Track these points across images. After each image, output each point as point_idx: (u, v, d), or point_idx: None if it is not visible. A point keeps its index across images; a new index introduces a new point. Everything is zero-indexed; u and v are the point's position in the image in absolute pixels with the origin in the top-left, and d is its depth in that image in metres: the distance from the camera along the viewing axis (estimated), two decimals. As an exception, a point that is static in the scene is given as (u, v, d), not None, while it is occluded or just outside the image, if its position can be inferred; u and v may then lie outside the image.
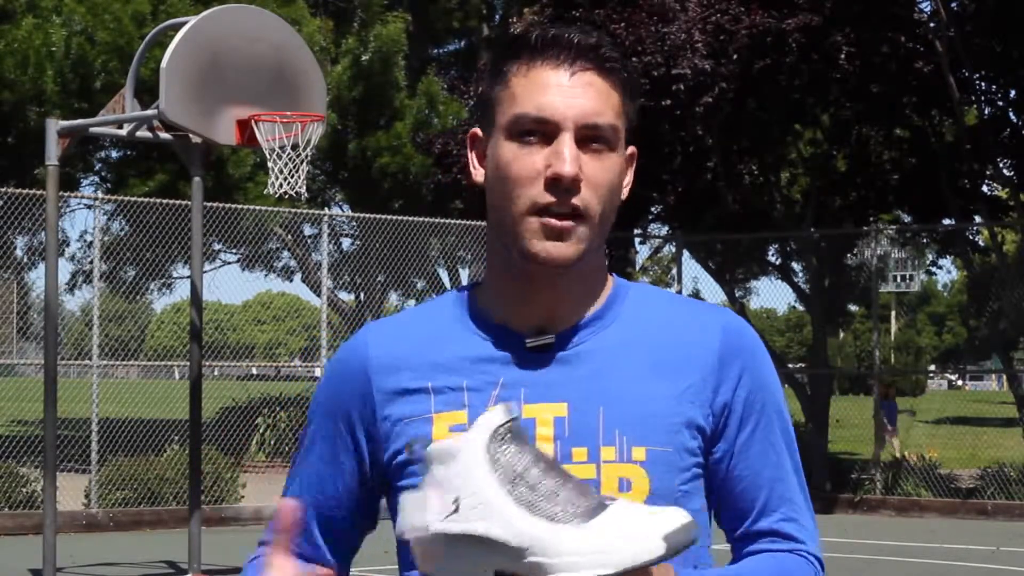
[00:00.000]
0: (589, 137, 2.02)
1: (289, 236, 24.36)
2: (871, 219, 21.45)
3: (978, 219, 21.05)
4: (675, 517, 1.84)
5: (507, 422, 1.85)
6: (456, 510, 1.81)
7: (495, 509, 1.80)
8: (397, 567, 2.13)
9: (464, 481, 1.81)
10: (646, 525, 1.82)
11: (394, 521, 2.06)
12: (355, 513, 2.15)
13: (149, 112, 10.86)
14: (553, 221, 2.00)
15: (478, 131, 2.11)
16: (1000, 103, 20.45)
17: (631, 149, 2.12)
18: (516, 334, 2.07)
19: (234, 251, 25.60)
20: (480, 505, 1.80)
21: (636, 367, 2.06)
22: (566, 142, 2.00)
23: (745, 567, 2.08)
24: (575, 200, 2.00)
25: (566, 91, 2.02)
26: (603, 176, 2.02)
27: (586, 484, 1.87)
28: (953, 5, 19.30)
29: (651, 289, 2.18)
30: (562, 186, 1.99)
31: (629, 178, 2.12)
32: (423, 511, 1.83)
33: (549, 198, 2.00)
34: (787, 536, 2.10)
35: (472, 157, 2.12)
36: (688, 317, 2.12)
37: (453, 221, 19.70)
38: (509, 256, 2.05)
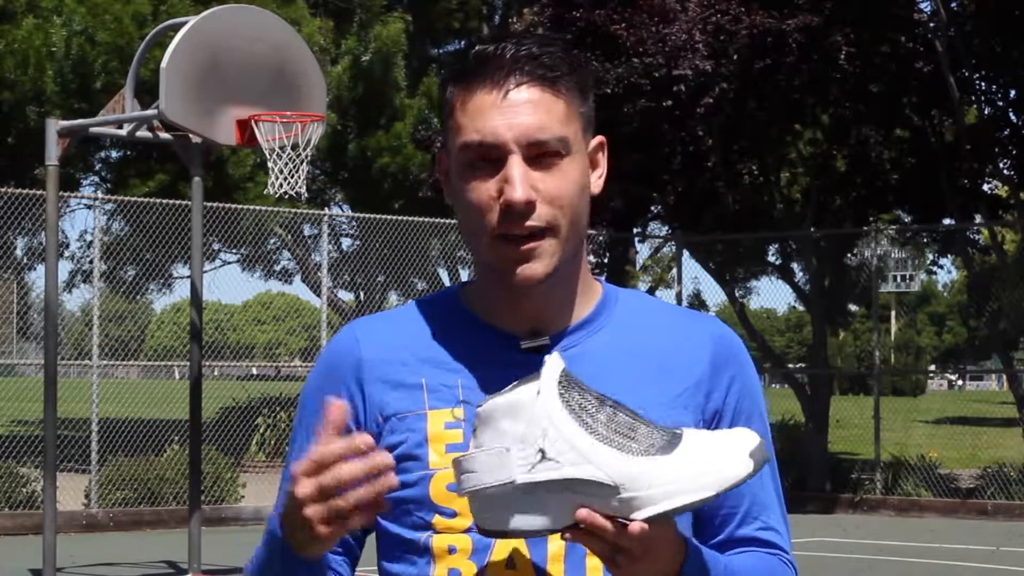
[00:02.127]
0: (539, 153, 1.99)
1: (289, 236, 24.37)
2: (871, 219, 21.45)
3: (978, 219, 21.05)
4: (749, 436, 1.89)
5: (566, 371, 1.86)
6: (543, 458, 1.81)
7: (585, 451, 1.82)
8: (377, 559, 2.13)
9: (545, 429, 1.82)
10: (729, 446, 1.87)
11: (382, 518, 2.07)
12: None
13: (149, 112, 10.86)
14: (515, 247, 1.99)
15: (444, 156, 2.11)
16: (1000, 103, 20.44)
17: (597, 140, 2.09)
18: (509, 335, 2.08)
19: (234, 251, 25.60)
20: (570, 450, 1.81)
21: (629, 371, 2.07)
22: (513, 165, 1.98)
23: (740, 560, 2.09)
24: (532, 221, 1.98)
25: (505, 112, 1.99)
26: (560, 187, 2.00)
27: (652, 422, 1.89)
28: (953, 5, 19.29)
29: (640, 295, 2.19)
30: (515, 212, 1.98)
31: (602, 168, 2.11)
32: (500, 467, 1.82)
33: (507, 224, 1.99)
34: (767, 543, 2.13)
35: (442, 179, 2.13)
36: (678, 324, 2.14)
37: (453, 221, 19.70)
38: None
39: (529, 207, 1.98)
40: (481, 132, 1.99)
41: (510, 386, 1.86)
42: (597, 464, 1.81)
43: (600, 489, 1.82)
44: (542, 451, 1.81)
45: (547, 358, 1.86)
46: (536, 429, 1.81)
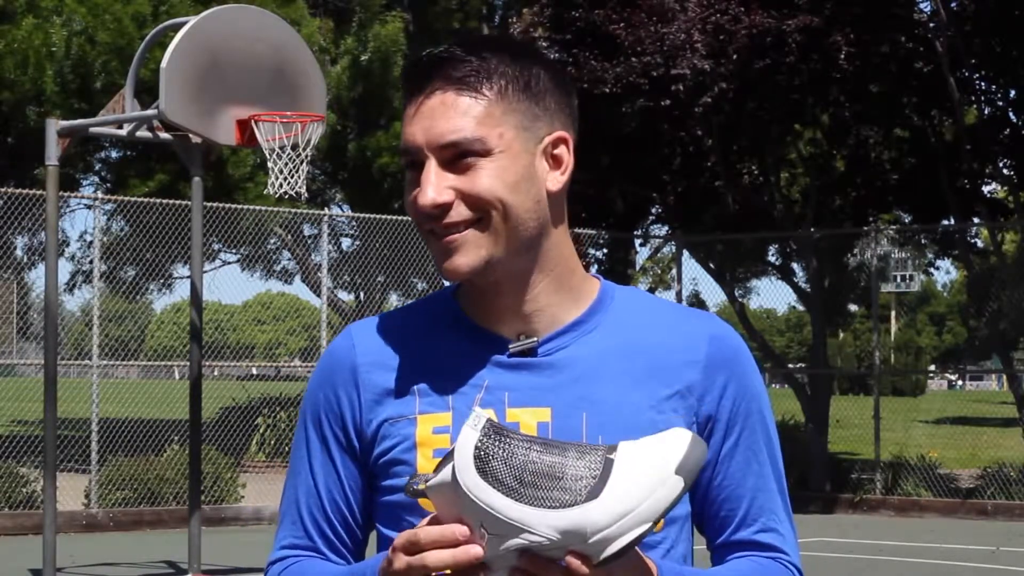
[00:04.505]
0: (455, 155, 2.02)
1: (289, 236, 24.36)
2: (871, 219, 21.45)
3: (978, 220, 21.04)
4: (678, 443, 1.87)
5: (484, 429, 1.86)
6: (487, 534, 1.84)
7: (518, 520, 1.83)
8: None
9: (475, 509, 1.84)
10: (657, 466, 1.85)
11: (378, 522, 2.11)
12: (360, 513, 2.15)
13: (149, 112, 10.86)
14: (439, 241, 2.04)
15: None
16: (1000, 103, 20.45)
17: (553, 136, 2.07)
18: (499, 338, 2.09)
19: (234, 251, 25.59)
20: (505, 523, 1.83)
21: (620, 374, 2.06)
22: (426, 170, 2.03)
23: (728, 569, 2.09)
24: (450, 219, 2.02)
25: (421, 117, 2.04)
26: (481, 185, 2.01)
27: (582, 443, 1.90)
28: (953, 5, 19.29)
29: (637, 294, 2.18)
30: (427, 214, 2.02)
31: (565, 165, 2.08)
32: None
33: (428, 223, 2.04)
34: (768, 546, 2.11)
35: None
36: (674, 324, 2.12)
37: (453, 221, 19.65)
38: None
39: (438, 209, 2.02)
40: (403, 140, 2.06)
41: (445, 459, 1.87)
42: (533, 528, 1.82)
43: (548, 549, 1.83)
44: (483, 527, 1.84)
45: (463, 430, 1.86)
46: (469, 508, 1.84)
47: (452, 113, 2.02)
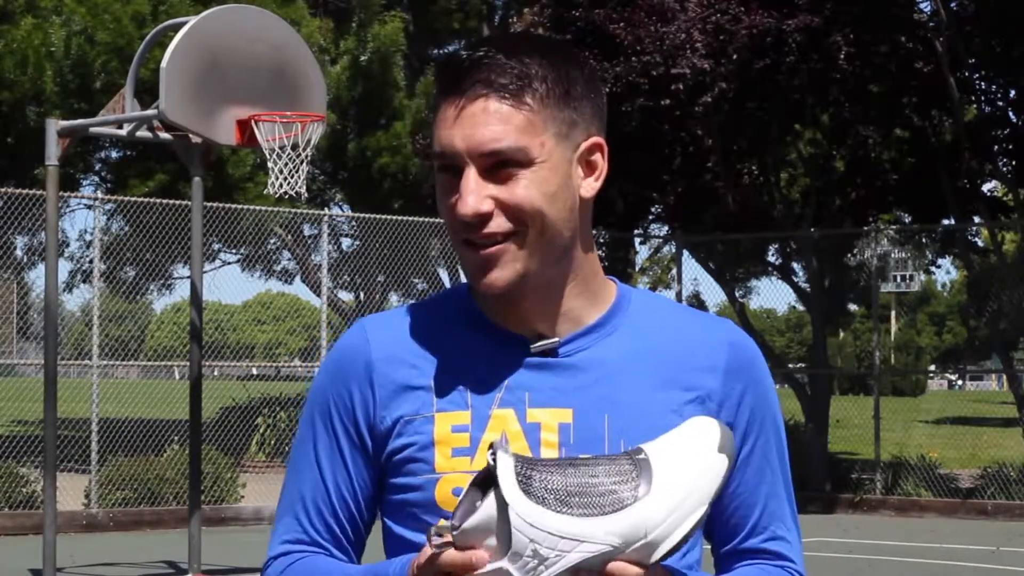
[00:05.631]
0: (496, 164, 1.99)
1: (289, 236, 24.36)
2: (871, 219, 21.45)
3: (978, 219, 21.05)
4: (708, 427, 1.87)
5: (516, 455, 1.83)
6: (541, 560, 1.80)
7: (575, 534, 1.80)
8: None
9: (529, 533, 1.80)
10: (698, 452, 1.85)
11: (389, 519, 2.08)
12: (367, 510, 2.13)
13: (149, 112, 10.86)
14: (476, 252, 2.00)
15: None
16: (1000, 103, 20.44)
17: (589, 143, 2.06)
18: (519, 338, 2.07)
19: (234, 251, 25.59)
20: (561, 540, 1.80)
21: (641, 377, 2.06)
22: (466, 178, 1.99)
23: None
24: (489, 229, 1.99)
25: (462, 123, 2.00)
26: (520, 196, 1.99)
27: (609, 455, 1.88)
28: (953, 5, 19.29)
29: (654, 297, 2.17)
30: (465, 223, 1.99)
31: (599, 171, 2.07)
32: None
33: (466, 232, 2.00)
34: (776, 555, 2.11)
35: None
36: (693, 329, 2.11)
37: (453, 221, 19.64)
38: None
39: (478, 219, 1.98)
40: (440, 144, 2.02)
41: (467, 497, 1.83)
42: (591, 539, 1.80)
43: (606, 557, 1.81)
44: (536, 553, 1.80)
45: (497, 457, 1.82)
46: (522, 537, 1.79)
47: (494, 121, 1.99)
